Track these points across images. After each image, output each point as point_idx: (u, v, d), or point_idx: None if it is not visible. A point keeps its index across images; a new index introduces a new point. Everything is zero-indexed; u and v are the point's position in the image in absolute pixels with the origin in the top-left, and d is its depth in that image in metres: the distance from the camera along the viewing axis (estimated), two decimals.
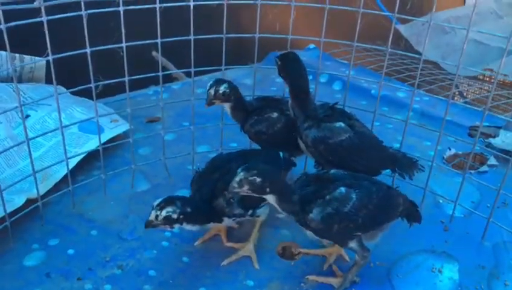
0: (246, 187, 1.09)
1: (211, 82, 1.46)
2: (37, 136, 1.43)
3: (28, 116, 1.69)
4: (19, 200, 1.39)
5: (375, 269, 1.32)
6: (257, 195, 1.11)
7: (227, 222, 1.32)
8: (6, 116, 1.65)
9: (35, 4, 0.98)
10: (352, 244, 1.20)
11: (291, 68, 1.41)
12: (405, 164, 1.42)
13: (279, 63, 1.42)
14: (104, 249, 1.34)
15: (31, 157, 1.32)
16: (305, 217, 1.15)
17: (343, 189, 1.16)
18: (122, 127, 1.81)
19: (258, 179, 1.08)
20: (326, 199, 1.15)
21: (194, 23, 1.47)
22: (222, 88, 1.44)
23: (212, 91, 1.44)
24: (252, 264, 1.32)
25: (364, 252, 1.21)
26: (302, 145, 1.44)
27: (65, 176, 1.50)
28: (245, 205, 1.29)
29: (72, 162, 1.55)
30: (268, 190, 1.10)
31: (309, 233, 1.20)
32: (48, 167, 1.47)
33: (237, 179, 1.09)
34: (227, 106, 1.51)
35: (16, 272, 1.26)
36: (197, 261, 1.33)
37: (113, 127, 1.78)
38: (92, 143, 1.67)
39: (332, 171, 1.24)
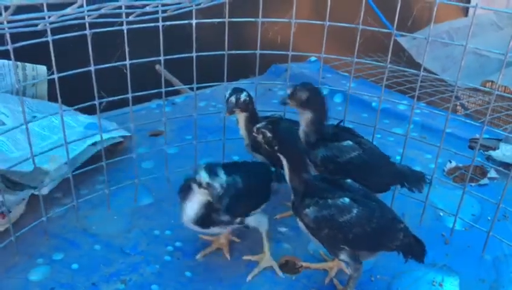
0: (260, 136, 1.20)
1: (230, 91, 1.44)
2: (38, 119, 1.49)
3: (34, 117, 1.72)
4: (28, 167, 1.36)
5: (376, 283, 1.33)
6: (269, 148, 1.20)
7: (214, 230, 1.31)
8: (15, 117, 1.68)
9: (40, 27, 0.99)
10: (343, 256, 1.20)
11: (320, 100, 1.40)
12: (414, 179, 1.42)
13: (304, 97, 1.36)
14: (108, 263, 1.35)
15: (30, 146, 1.30)
16: (301, 208, 1.18)
17: (347, 200, 1.17)
18: (125, 132, 1.83)
19: (269, 134, 1.18)
20: (327, 202, 1.16)
21: (196, 38, 1.49)
22: (243, 96, 1.41)
23: (233, 99, 1.41)
24: (250, 276, 1.33)
25: (356, 264, 1.21)
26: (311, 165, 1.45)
27: (69, 188, 1.47)
28: (232, 212, 1.26)
29: (77, 150, 1.58)
30: (277, 147, 1.19)
31: (300, 225, 1.22)
32: (55, 148, 1.43)
33: (257, 125, 1.21)
34: (243, 117, 1.47)
35: (21, 286, 1.27)
36: (199, 275, 1.34)
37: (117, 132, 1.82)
38: (96, 137, 1.63)
39: (349, 180, 1.24)
